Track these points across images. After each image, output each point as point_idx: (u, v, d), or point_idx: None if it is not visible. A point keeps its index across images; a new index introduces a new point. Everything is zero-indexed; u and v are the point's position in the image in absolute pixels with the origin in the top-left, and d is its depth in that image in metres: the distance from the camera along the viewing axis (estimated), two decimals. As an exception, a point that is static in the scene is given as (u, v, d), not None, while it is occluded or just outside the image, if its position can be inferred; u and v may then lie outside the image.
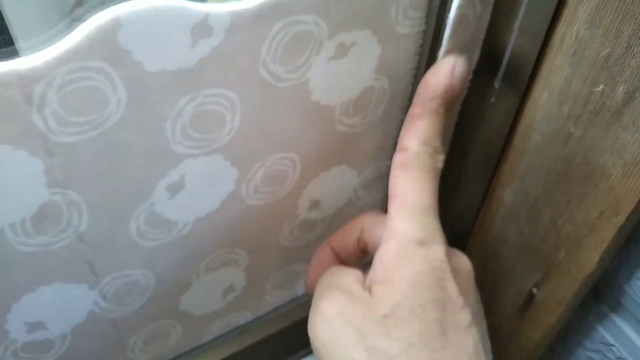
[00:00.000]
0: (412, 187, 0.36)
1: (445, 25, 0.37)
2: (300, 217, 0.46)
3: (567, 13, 0.34)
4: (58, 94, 0.28)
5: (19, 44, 0.43)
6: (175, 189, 0.36)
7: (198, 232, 0.40)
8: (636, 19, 0.31)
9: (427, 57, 0.40)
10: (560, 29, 0.35)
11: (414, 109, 0.37)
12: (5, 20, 0.42)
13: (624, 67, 0.32)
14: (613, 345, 0.43)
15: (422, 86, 0.37)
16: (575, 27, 0.34)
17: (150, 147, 0.33)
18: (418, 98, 0.37)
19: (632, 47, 0.31)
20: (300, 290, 0.54)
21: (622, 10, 0.31)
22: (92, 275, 0.37)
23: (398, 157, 0.37)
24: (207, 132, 0.34)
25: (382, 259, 0.35)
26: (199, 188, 0.37)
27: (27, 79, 0.27)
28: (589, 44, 0.33)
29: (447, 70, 0.36)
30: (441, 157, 0.37)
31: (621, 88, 0.33)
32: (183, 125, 0.33)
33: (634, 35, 0.31)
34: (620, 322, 0.43)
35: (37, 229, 0.32)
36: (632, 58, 0.31)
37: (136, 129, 0.32)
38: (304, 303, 0.55)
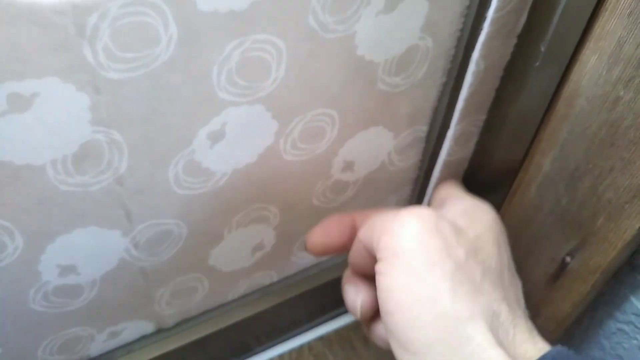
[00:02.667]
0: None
1: (496, -17, 0.36)
2: (333, 177, 0.45)
3: (625, -28, 0.33)
4: (111, 27, 0.27)
5: None
6: (216, 137, 0.35)
7: (234, 185, 0.39)
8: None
9: (473, 19, 0.40)
10: (617, -12, 0.34)
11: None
12: None
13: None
14: (645, 318, 0.43)
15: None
16: (634, -14, 0.33)
17: (196, 91, 0.32)
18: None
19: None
20: (325, 254, 0.54)
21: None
22: (126, 221, 0.37)
23: None
24: (252, 80, 0.34)
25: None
26: (239, 138, 0.37)
27: (81, 9, 0.26)
28: (647, 4, 0.33)
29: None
30: None
31: (679, 50, 0.32)
32: (229, 70, 0.32)
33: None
34: (654, 294, 0.42)
35: (78, 168, 0.32)
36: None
37: (183, 71, 0.31)
38: (329, 268, 0.55)
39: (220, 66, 0.32)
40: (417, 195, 0.53)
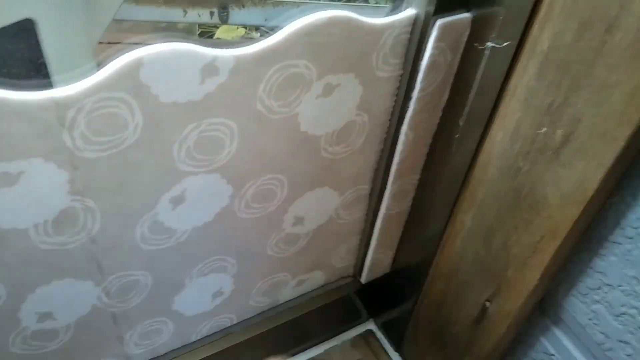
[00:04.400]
0: None
1: (419, 70, 0.43)
2: (285, 231, 0.51)
3: (519, 66, 0.40)
4: (86, 118, 0.33)
5: (54, 77, 0.50)
6: (177, 201, 0.41)
7: (194, 240, 0.45)
8: (572, 75, 0.37)
9: (403, 97, 0.46)
10: (514, 78, 0.41)
11: None
12: (45, 59, 0.49)
13: (563, 114, 0.38)
14: (553, 355, 0.49)
15: None
16: (527, 77, 0.40)
17: (159, 165, 0.38)
18: None
19: (569, 97, 0.37)
20: (282, 298, 0.60)
21: (562, 67, 0.37)
22: (98, 273, 0.42)
23: None
24: (208, 154, 0.40)
25: None
26: (198, 201, 0.42)
27: (62, 105, 0.32)
28: (536, 92, 0.40)
29: None
30: None
31: (560, 131, 0.39)
32: (188, 148, 0.38)
33: (571, 88, 0.37)
34: (559, 334, 0.48)
35: (57, 230, 0.38)
36: (569, 107, 0.38)
37: (148, 150, 0.37)
38: (286, 310, 0.60)
39: (180, 144, 0.38)
40: (365, 244, 0.59)
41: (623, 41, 0.33)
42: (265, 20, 0.96)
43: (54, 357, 0.46)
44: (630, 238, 0.40)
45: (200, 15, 1.01)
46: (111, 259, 0.42)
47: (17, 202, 0.35)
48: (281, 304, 0.60)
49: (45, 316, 0.43)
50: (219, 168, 0.41)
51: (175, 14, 0.97)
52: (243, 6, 0.97)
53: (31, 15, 0.47)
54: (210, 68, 0.35)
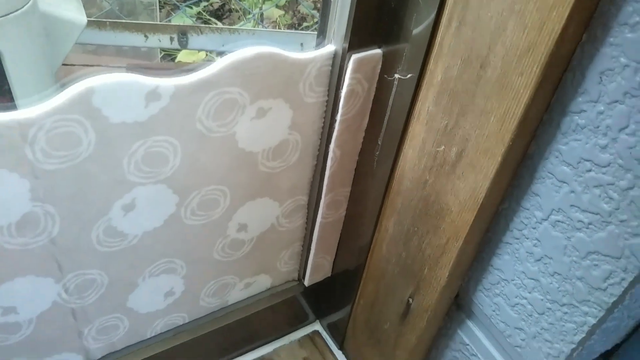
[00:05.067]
0: None
1: (340, 97, 0.50)
2: (230, 236, 0.57)
3: (421, 94, 0.47)
4: (46, 135, 0.39)
5: (18, 101, 0.57)
6: (128, 208, 0.47)
7: (145, 243, 0.51)
8: (460, 102, 0.44)
9: (330, 120, 0.53)
10: (418, 105, 0.48)
11: None
12: (10, 84, 0.56)
13: (455, 134, 0.45)
14: (468, 345, 0.56)
15: None
16: (427, 104, 0.47)
17: (111, 176, 0.45)
18: None
19: (459, 121, 0.45)
20: (231, 299, 0.66)
21: (452, 95, 0.44)
22: (58, 271, 0.48)
23: None
24: (155, 167, 0.46)
25: None
26: (147, 209, 0.49)
27: (24, 125, 0.38)
28: (434, 117, 0.47)
29: None
30: None
31: (454, 149, 0.46)
32: (136, 161, 0.45)
33: (460, 113, 0.44)
34: (472, 326, 0.55)
35: (20, 232, 0.44)
36: (459, 128, 0.45)
37: (101, 163, 0.43)
38: (236, 310, 0.66)
39: (129, 158, 0.44)
40: (306, 249, 0.66)
41: (493, 76, 0.41)
42: (223, 45, 1.03)
43: (17, 349, 0.51)
44: (517, 239, 0.47)
45: (161, 40, 1.08)
46: (70, 259, 0.48)
47: (-15, 207, 0.41)
48: (230, 305, 0.66)
49: (8, 310, 0.48)
50: (165, 179, 0.48)
51: (137, 39, 1.04)
52: (202, 32, 1.04)
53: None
54: (153, 94, 0.42)
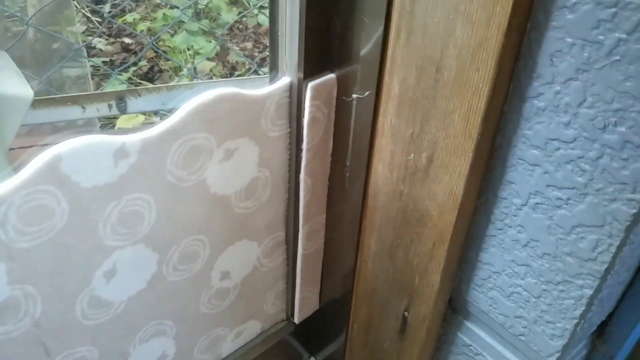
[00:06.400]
0: None
1: (303, 126, 0.51)
2: (214, 287, 0.56)
3: (382, 109, 0.49)
4: (17, 212, 0.38)
5: None
6: (110, 275, 0.46)
7: (131, 309, 0.49)
8: (422, 109, 0.45)
9: (296, 150, 0.53)
10: (380, 119, 0.49)
11: None
12: None
13: (422, 140, 0.46)
14: (471, 345, 0.56)
15: None
16: (389, 117, 0.48)
17: (88, 244, 0.43)
18: None
19: (424, 127, 0.46)
20: (224, 352, 0.64)
21: (413, 104, 0.46)
22: (46, 356, 0.46)
23: None
24: (131, 227, 0.45)
25: None
26: (129, 272, 0.47)
27: (-7, 205, 0.37)
28: (398, 128, 0.48)
29: None
30: None
31: (424, 154, 0.47)
32: (112, 224, 0.44)
33: (423, 119, 0.45)
34: (471, 325, 0.55)
35: (1, 320, 0.41)
36: (425, 134, 0.46)
37: (76, 232, 0.42)
38: (230, 364, 0.64)
39: (104, 222, 0.43)
40: (291, 286, 0.65)
41: (450, 77, 0.42)
42: (163, 104, 1.03)
43: None
44: (500, 229, 0.48)
45: (99, 109, 1.06)
46: (56, 340, 0.46)
47: (-39, 300, 0.38)
48: (224, 358, 0.64)
49: (-2, 409, 0.45)
50: (143, 238, 0.46)
51: (74, 112, 1.02)
52: (139, 95, 1.04)
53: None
54: (120, 152, 0.41)
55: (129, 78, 1.52)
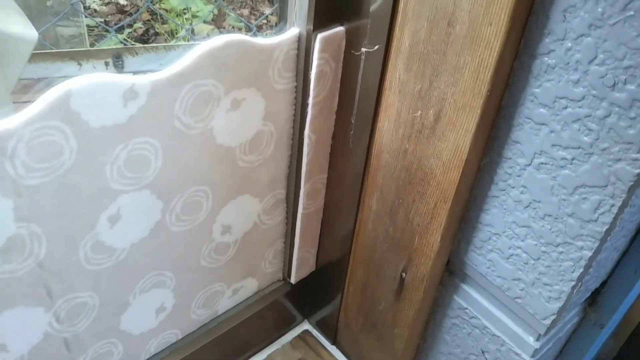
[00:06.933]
0: None
1: (310, 80, 0.50)
2: (215, 240, 0.56)
3: (391, 63, 0.49)
4: (26, 147, 0.38)
5: None
6: (114, 219, 0.46)
7: (133, 257, 0.49)
8: (432, 63, 0.45)
9: (301, 105, 0.53)
10: (389, 74, 0.49)
11: None
12: None
13: (430, 96, 0.46)
14: (466, 308, 0.57)
15: None
16: (398, 72, 0.48)
17: (95, 186, 0.43)
18: None
19: (433, 82, 0.46)
20: (221, 308, 0.64)
21: (423, 58, 0.46)
22: (48, 298, 0.46)
23: None
24: (137, 171, 0.45)
25: None
26: (133, 218, 0.47)
27: (3, 137, 0.36)
28: (407, 83, 0.48)
29: None
30: None
31: (431, 111, 0.47)
32: (119, 167, 0.43)
33: (433, 74, 0.46)
34: (468, 289, 0.56)
35: (6, 258, 0.41)
36: (434, 90, 0.46)
37: (84, 172, 0.42)
38: (226, 319, 0.64)
39: (111, 165, 0.43)
40: (289, 246, 0.65)
41: (462, 31, 0.42)
42: (160, 65, 1.01)
43: (11, 390, 0.48)
44: (503, 190, 0.49)
45: (95, 67, 1.04)
46: (59, 283, 0.45)
47: (-33, 234, 0.38)
48: (220, 314, 0.64)
49: (-1, 348, 0.45)
50: (149, 185, 0.46)
51: (70, 68, 1.00)
52: (137, 53, 1.02)
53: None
54: (130, 93, 0.41)
55: (124, 40, 1.50)
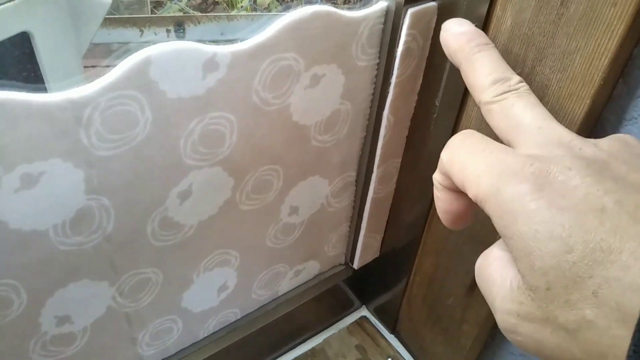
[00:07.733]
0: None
1: (395, 57, 0.47)
2: (282, 221, 0.54)
3: (487, 44, 0.44)
4: (101, 116, 0.35)
5: (49, 84, 0.52)
6: (184, 195, 0.44)
7: (200, 234, 0.47)
8: (536, 47, 0.41)
9: (382, 85, 0.50)
10: (483, 57, 0.45)
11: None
12: (41, 69, 0.52)
13: (531, 82, 0.42)
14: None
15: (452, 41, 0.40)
16: (494, 55, 0.44)
17: (167, 160, 0.41)
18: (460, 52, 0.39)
19: (535, 67, 0.42)
20: (281, 290, 0.62)
21: (526, 40, 0.41)
22: (112, 272, 0.44)
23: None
24: (212, 147, 0.42)
25: None
26: (203, 195, 0.45)
27: (78, 104, 0.34)
28: (504, 67, 0.44)
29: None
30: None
31: (530, 99, 0.43)
32: (193, 141, 0.41)
33: (536, 58, 0.41)
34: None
35: (74, 230, 0.39)
36: (536, 75, 0.42)
37: (158, 145, 0.39)
38: (285, 302, 0.63)
39: (185, 139, 0.41)
40: (354, 230, 0.62)
41: (576, 12, 0.38)
42: (222, 34, 0.99)
43: (72, 362, 0.47)
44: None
45: (157, 34, 1.03)
46: (124, 258, 0.44)
47: (37, 203, 0.37)
48: (280, 296, 0.63)
49: (63, 320, 0.44)
50: (221, 161, 0.44)
51: (131, 35, 0.99)
52: (199, 22, 1.00)
53: (27, 28, 0.50)
54: (210, 63, 0.38)
55: (181, 9, 1.49)
